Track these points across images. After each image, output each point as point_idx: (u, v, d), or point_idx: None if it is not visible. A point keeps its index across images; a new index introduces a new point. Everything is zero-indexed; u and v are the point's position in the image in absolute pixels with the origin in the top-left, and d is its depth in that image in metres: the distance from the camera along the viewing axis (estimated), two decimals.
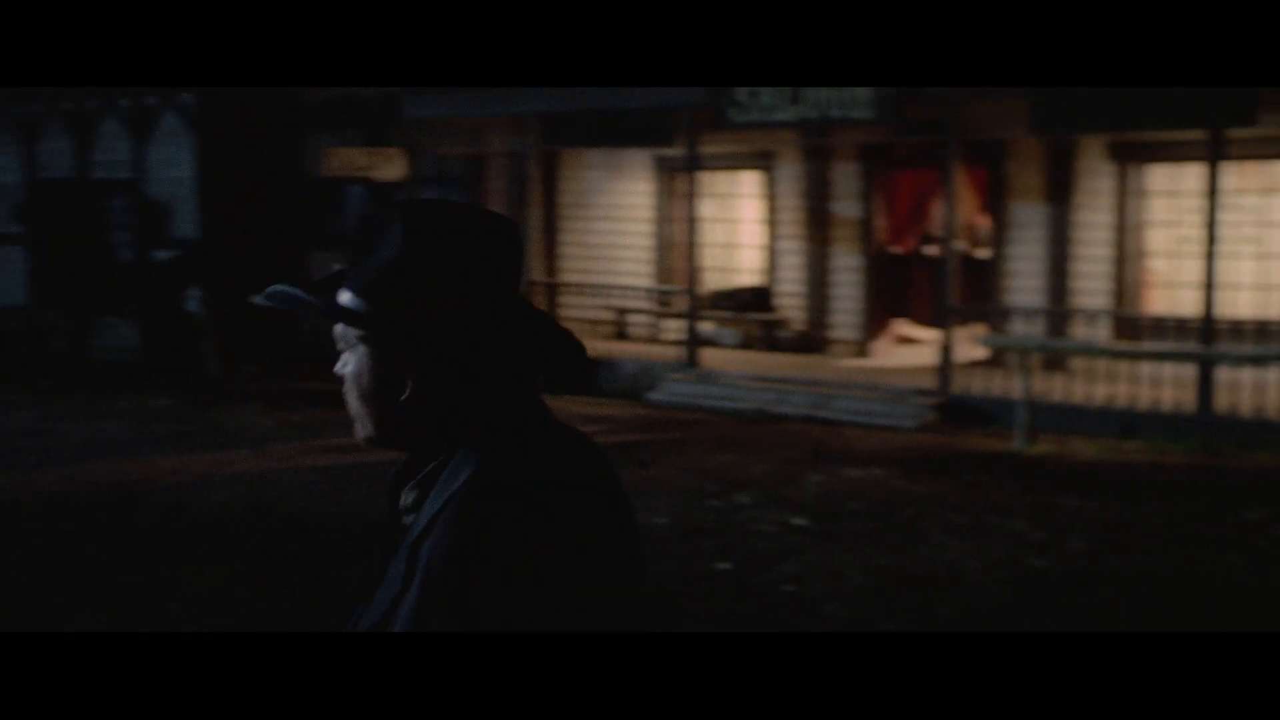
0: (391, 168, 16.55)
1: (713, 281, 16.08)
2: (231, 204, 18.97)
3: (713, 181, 16.04)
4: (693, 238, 14.69)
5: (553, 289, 16.67)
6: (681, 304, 15.41)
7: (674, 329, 15.82)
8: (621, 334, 16.50)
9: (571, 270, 17.02)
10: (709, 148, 14.84)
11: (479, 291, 1.74)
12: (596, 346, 15.72)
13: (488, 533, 1.65)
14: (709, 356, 14.83)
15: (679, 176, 15.89)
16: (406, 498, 1.82)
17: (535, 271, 16.14)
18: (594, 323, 16.20)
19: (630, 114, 14.65)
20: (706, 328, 15.42)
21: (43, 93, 20.79)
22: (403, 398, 1.75)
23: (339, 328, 1.80)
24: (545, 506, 1.69)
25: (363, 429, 1.82)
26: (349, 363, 1.81)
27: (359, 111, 17.90)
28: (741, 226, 16.36)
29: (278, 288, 1.86)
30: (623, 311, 16.53)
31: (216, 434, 12.51)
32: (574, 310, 16.36)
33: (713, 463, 10.98)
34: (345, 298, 1.79)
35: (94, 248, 20.31)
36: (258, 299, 1.87)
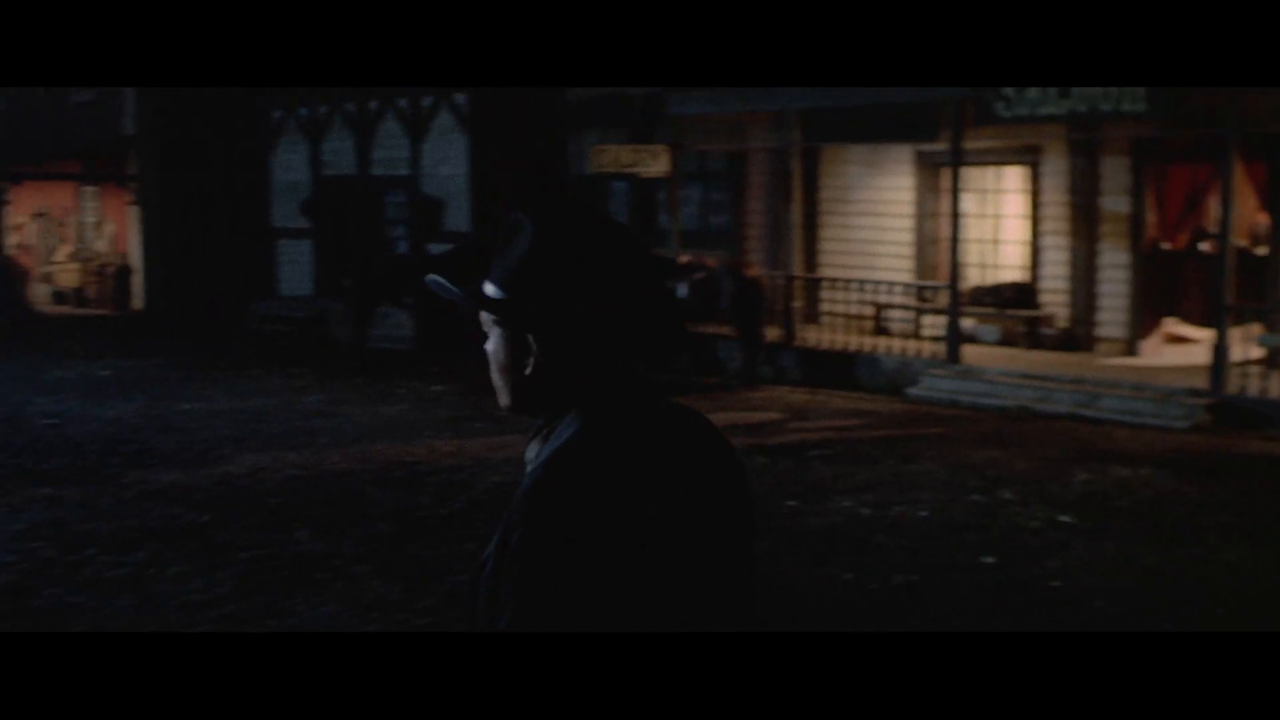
0: (655, 164, 16.93)
1: (974, 277, 15.93)
2: (502, 200, 19.70)
3: (976, 176, 15.89)
4: (955, 233, 14.60)
5: (812, 284, 16.77)
6: (942, 300, 15.33)
7: (933, 325, 15.73)
8: (880, 329, 16.49)
9: (831, 265, 17.09)
10: (973, 142, 14.72)
11: (590, 286, 2.02)
12: (855, 341, 15.79)
13: (549, 489, 1.94)
14: (970, 353, 14.71)
15: (942, 171, 15.80)
16: (529, 453, 2.08)
17: (795, 267, 16.28)
18: (853, 318, 16.23)
19: (893, 109, 14.65)
20: (967, 324, 15.29)
21: (329, 94, 21.97)
22: (527, 372, 2.04)
23: (483, 314, 2.07)
24: (612, 469, 1.97)
25: (501, 399, 2.10)
26: (490, 342, 2.08)
27: (623, 109, 18.35)
28: (1005, 222, 16.15)
29: (433, 278, 2.11)
30: (882, 307, 16.52)
31: (489, 419, 13.07)
32: (833, 305, 16.42)
33: (975, 458, 10.95)
34: (488, 288, 2.06)
35: (373, 241, 21.37)
36: (429, 283, 2.13)
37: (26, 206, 27.42)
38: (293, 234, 23.16)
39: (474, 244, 19.38)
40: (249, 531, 8.62)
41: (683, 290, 15.87)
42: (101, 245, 26.58)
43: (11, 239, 26.14)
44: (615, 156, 17.16)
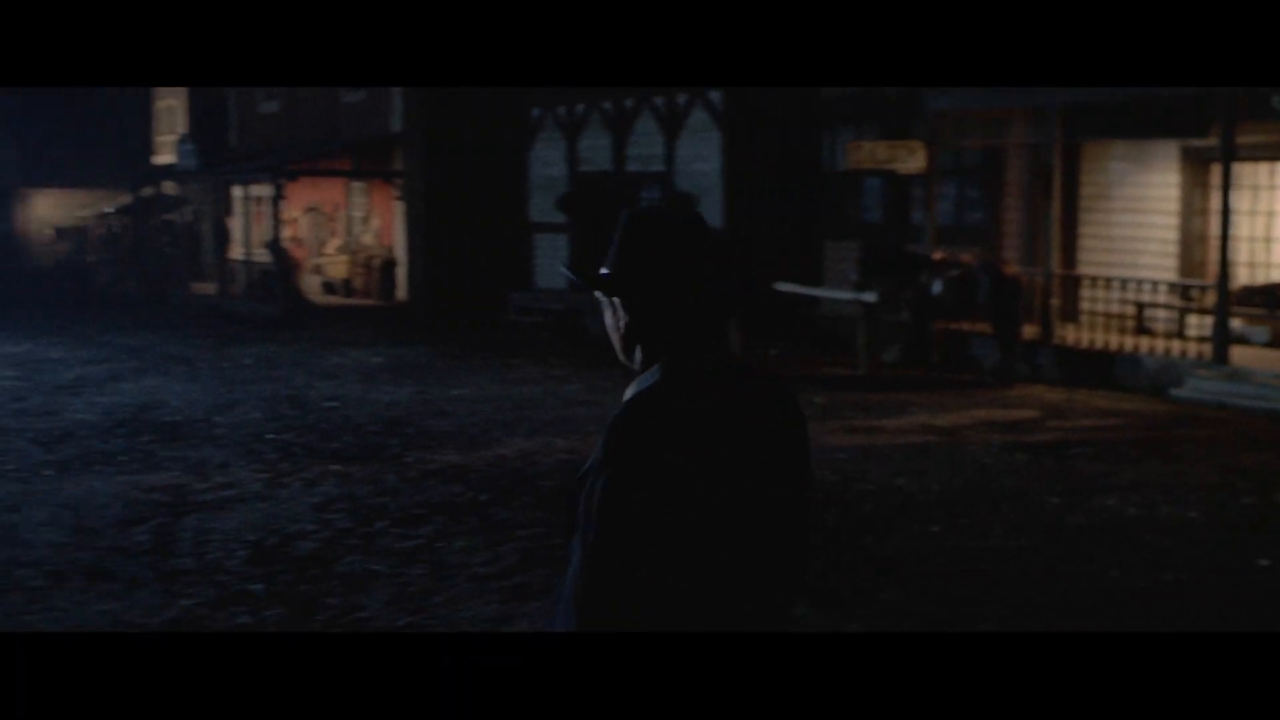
0: (912, 160, 16.91)
1: (1244, 276, 15.43)
2: (754, 195, 19.96)
3: (1247, 172, 15.38)
4: (1225, 230, 14.18)
5: (1071, 282, 16.49)
6: (1209, 299, 14.90)
7: (1199, 325, 15.30)
8: (1142, 329, 16.12)
9: (1091, 263, 16.77)
10: (1245, 137, 14.26)
11: (657, 266, 2.55)
12: (1115, 340, 15.48)
13: (626, 426, 2.45)
14: (1238, 354, 14.28)
15: (1211, 167, 15.35)
16: (626, 395, 2.56)
17: (1054, 264, 16.04)
18: (1113, 316, 15.92)
19: (1158, 103, 14.32)
20: (1236, 324, 14.83)
21: (587, 94, 22.58)
22: (621, 332, 2.59)
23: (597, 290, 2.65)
24: (678, 412, 2.48)
25: (618, 354, 2.65)
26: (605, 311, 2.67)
27: (878, 105, 18.37)
28: (1278, 219, 15.59)
29: (562, 269, 3.02)
30: (1144, 306, 16.13)
31: None
32: (1093, 304, 16.13)
33: (1245, 462, 10.68)
34: (602, 271, 2.61)
35: None
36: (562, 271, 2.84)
37: (299, 202, 28.91)
38: (549, 228, 23.88)
39: (725, 239, 19.69)
40: (525, 510, 9.07)
41: (937, 286, 15.84)
42: (368, 239, 27.84)
43: (286, 232, 27.61)
44: (871, 153, 17.20)
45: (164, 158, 36.71)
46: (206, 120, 33.67)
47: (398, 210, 26.48)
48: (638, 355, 2.61)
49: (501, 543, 8.17)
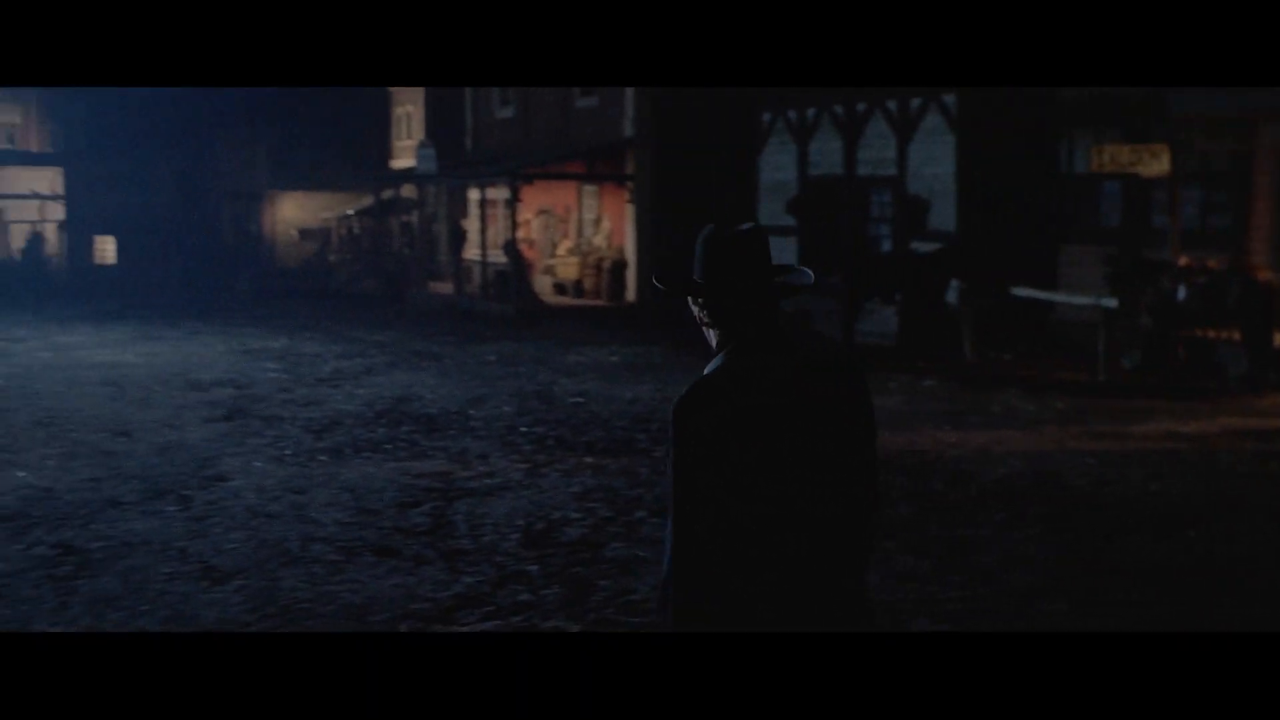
0: (1155, 164, 16.62)
1: None
2: (988, 199, 19.84)
3: None
4: None
5: None
6: None
7: None
8: None
9: None
10: None
11: (715, 272, 3.14)
12: None
13: (685, 402, 3.01)
14: None
15: None
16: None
17: None
18: None
19: None
20: None
21: (818, 98, 22.74)
22: (702, 326, 3.20)
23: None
24: (713, 393, 3.02)
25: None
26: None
27: (1119, 108, 18.08)
28: None
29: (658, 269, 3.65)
30: None
31: (984, 414, 13.35)
32: None
33: None
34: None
35: (858, 239, 21.99)
36: (654, 279, 3.36)
37: (532, 204, 29.75)
38: (778, 231, 24.10)
39: (959, 243, 19.64)
40: None
41: (1182, 292, 15.56)
42: (599, 241, 28.49)
43: (519, 234, 28.46)
44: (1114, 156, 16.96)
45: (400, 162, 38.17)
46: (443, 126, 34.89)
47: (628, 213, 27.06)
48: (714, 343, 3.18)
49: None
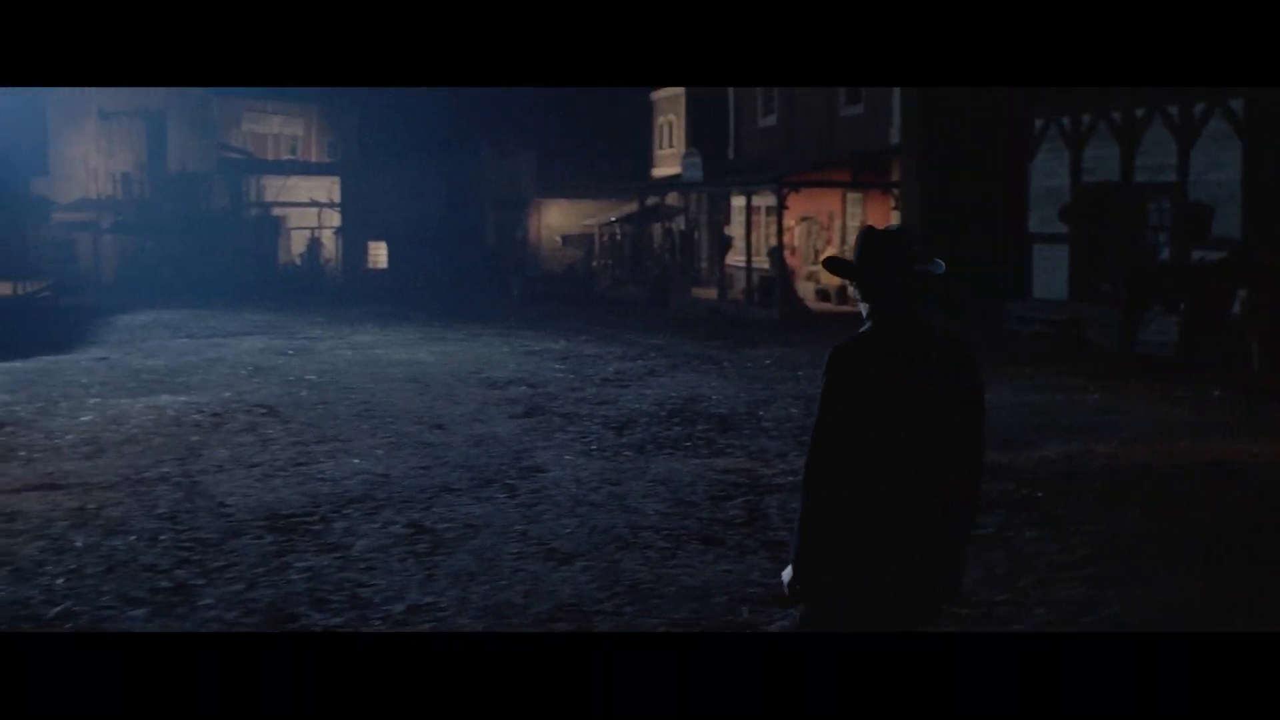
0: None
1: None
2: (1277, 206, 19.31)
3: None
4: None
5: None
6: None
7: None
8: None
9: None
10: None
11: (865, 260, 4.09)
12: None
13: (832, 357, 4.01)
14: None
15: None
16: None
17: None
18: None
19: None
20: None
21: (1092, 104, 22.48)
22: (858, 302, 4.16)
23: None
24: (859, 351, 3.99)
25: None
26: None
27: None
28: None
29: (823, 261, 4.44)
30: None
31: (1277, 424, 13.14)
32: None
33: None
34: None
35: (1135, 247, 21.65)
36: (822, 263, 4.63)
37: (794, 211, 30.12)
38: (1048, 239, 23.91)
39: (1246, 252, 19.17)
40: (1084, 507, 9.51)
41: None
42: None
43: (783, 240, 28.87)
44: None
45: (661, 170, 39.05)
46: (705, 135, 35.58)
47: (893, 220, 27.18)
48: (865, 315, 4.11)
49: (1070, 535, 8.66)
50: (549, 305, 33.97)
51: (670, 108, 38.87)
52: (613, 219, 41.79)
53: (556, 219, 45.18)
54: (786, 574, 4.10)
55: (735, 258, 31.61)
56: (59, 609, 7.15)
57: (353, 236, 51.65)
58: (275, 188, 53.88)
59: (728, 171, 32.76)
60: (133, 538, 8.80)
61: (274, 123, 55.06)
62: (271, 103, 53.94)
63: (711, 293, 31.74)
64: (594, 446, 12.32)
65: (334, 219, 54.17)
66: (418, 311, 31.99)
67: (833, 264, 4.25)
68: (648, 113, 40.61)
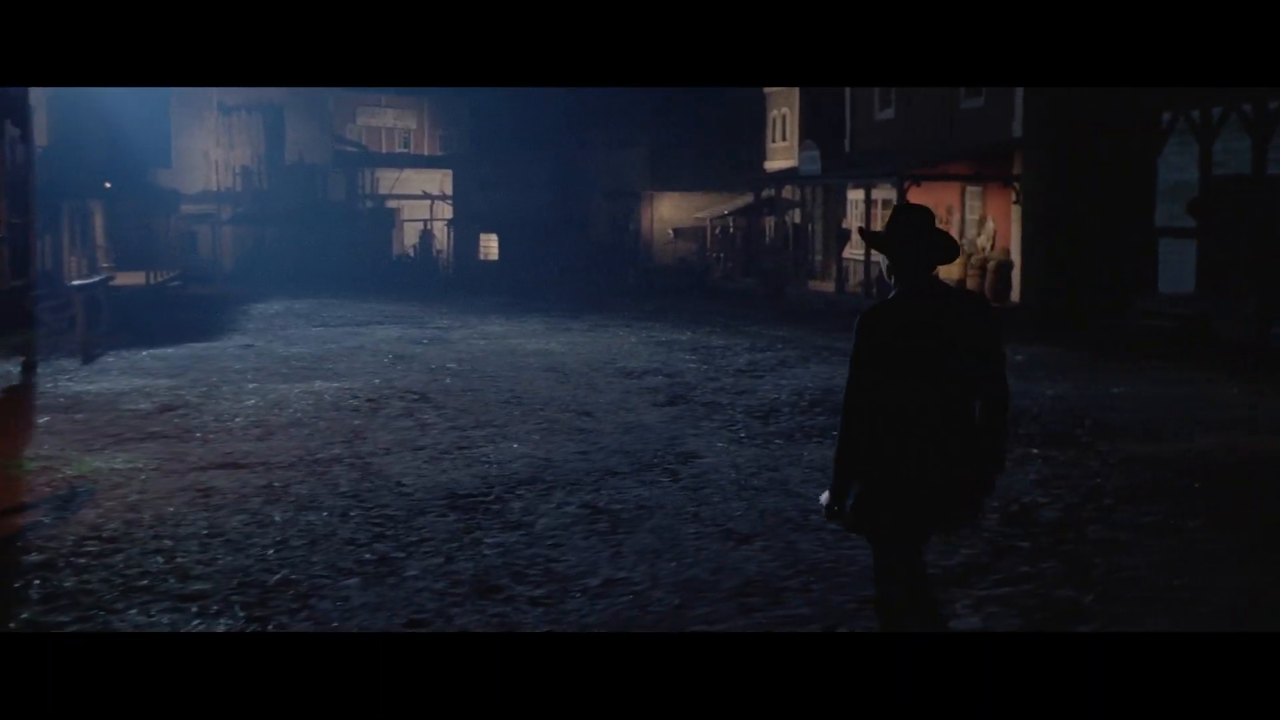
0: None
1: None
2: None
3: None
4: None
5: None
6: None
7: None
8: None
9: None
10: None
11: (896, 234, 4.87)
12: None
13: (862, 318, 4.88)
14: None
15: None
16: None
17: None
18: None
19: None
20: None
21: (1223, 96, 22.33)
22: (886, 270, 4.89)
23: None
24: (885, 312, 4.85)
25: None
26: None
27: None
28: None
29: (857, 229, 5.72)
30: None
31: None
32: None
33: None
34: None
35: (1267, 241, 21.49)
36: (858, 232, 5.98)
37: None
38: (1175, 233, 23.79)
39: None
40: (1244, 500, 9.63)
41: None
42: (982, 241, 28.67)
43: None
44: None
45: (774, 163, 39.21)
46: (820, 128, 35.69)
47: (1014, 214, 27.16)
48: (893, 282, 4.85)
49: (1237, 525, 8.82)
50: (664, 297, 34.34)
51: (783, 101, 39.00)
52: (726, 211, 42.04)
53: (668, 211, 45.52)
54: (824, 497, 5.03)
55: (853, 250, 31.72)
56: (277, 577, 7.61)
57: (464, 228, 52.46)
58: (389, 180, 54.92)
59: (844, 164, 32.86)
60: (324, 514, 9.27)
61: (387, 116, 56.13)
62: (385, 96, 54.95)
63: (827, 285, 31.90)
64: (743, 435, 12.62)
65: (445, 211, 55.05)
66: (537, 302, 32.53)
67: (867, 236, 5.15)
68: (760, 106, 40.76)
